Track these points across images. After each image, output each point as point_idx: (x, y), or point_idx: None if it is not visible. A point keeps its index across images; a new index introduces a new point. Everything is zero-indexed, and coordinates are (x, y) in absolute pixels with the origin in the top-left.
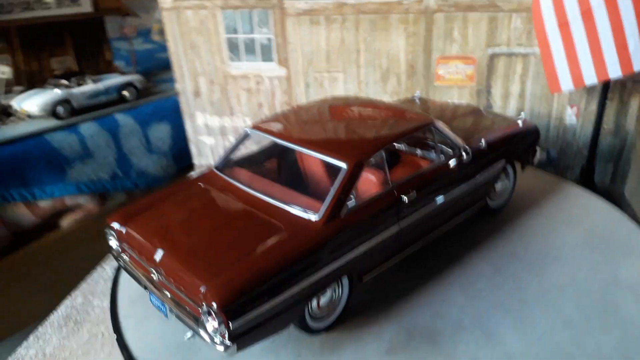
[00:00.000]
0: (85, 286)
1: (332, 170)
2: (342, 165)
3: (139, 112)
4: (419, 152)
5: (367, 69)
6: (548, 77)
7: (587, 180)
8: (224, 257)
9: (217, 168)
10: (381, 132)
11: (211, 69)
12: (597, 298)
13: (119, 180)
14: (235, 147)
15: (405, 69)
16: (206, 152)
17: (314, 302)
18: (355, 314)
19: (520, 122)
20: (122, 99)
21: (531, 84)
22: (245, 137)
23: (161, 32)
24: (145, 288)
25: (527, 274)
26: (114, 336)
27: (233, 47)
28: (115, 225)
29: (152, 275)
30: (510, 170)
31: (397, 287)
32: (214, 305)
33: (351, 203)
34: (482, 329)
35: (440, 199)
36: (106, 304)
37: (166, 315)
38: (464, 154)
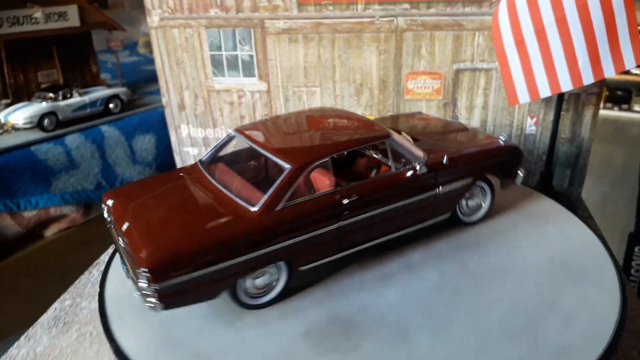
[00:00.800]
0: (73, 289)
1: (280, 171)
2: (286, 166)
3: (125, 124)
4: (384, 160)
5: (342, 84)
6: (507, 90)
7: (546, 185)
8: (170, 233)
9: (200, 162)
10: (333, 141)
11: (196, 84)
12: (524, 318)
13: (103, 190)
14: (219, 146)
15: (378, 84)
16: (190, 161)
17: (249, 281)
18: (288, 295)
19: (501, 142)
20: (107, 111)
21: (494, 97)
22: (230, 138)
23: (147, 45)
24: (119, 252)
25: (469, 286)
26: (103, 334)
27: (217, 63)
28: (106, 199)
29: (120, 242)
30: (486, 187)
31: (337, 278)
32: (145, 268)
33: (290, 199)
34: (400, 329)
35: (388, 206)
36: (94, 305)
37: (127, 277)
38: (418, 167)
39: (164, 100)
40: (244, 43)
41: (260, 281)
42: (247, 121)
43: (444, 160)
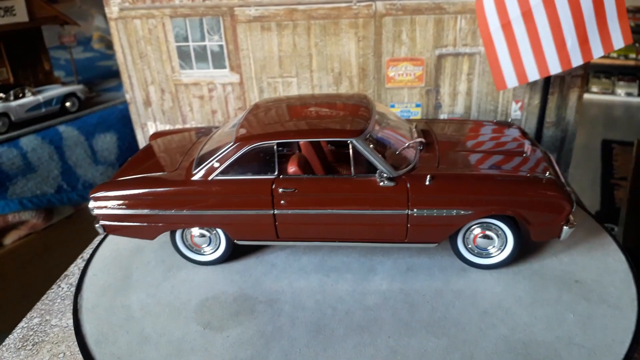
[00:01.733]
0: (41, 306)
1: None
2: (231, 141)
3: (83, 123)
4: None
5: (320, 73)
6: (494, 75)
7: None
8: (129, 175)
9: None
10: (287, 129)
11: (162, 78)
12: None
13: (64, 193)
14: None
15: (357, 72)
16: None
17: (188, 235)
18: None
19: (542, 179)
20: (64, 110)
21: (477, 82)
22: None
23: (102, 40)
24: None
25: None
26: (79, 354)
27: (184, 55)
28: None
29: None
30: (505, 229)
31: (284, 268)
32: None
33: (225, 172)
34: (316, 327)
35: (334, 210)
36: (65, 322)
37: None
38: (380, 178)
39: (127, 97)
40: (213, 33)
41: (199, 240)
42: (219, 116)
43: (427, 181)
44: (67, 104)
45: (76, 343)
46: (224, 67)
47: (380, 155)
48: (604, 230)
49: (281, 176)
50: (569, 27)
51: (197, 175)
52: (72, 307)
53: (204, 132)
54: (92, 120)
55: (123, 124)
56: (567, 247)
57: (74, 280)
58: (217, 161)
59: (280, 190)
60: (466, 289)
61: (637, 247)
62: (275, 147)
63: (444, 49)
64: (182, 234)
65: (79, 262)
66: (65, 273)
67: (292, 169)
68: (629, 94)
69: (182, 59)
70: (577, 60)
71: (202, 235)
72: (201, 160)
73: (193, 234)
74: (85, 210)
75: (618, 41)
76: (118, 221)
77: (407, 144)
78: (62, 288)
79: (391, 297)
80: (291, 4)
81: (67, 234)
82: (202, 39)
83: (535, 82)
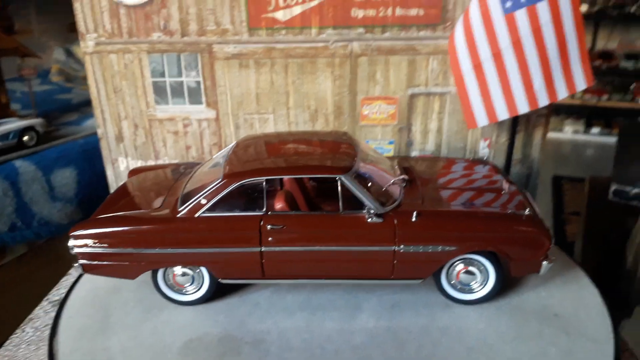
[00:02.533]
0: (3, 352)
1: None
2: (219, 178)
3: (41, 158)
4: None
5: (297, 110)
6: (465, 114)
7: None
8: (110, 213)
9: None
10: (276, 165)
11: (136, 113)
12: None
13: (18, 231)
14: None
15: (333, 110)
16: None
17: (170, 275)
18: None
19: (522, 215)
20: (22, 145)
21: (447, 120)
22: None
23: (61, 72)
24: None
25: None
26: None
27: (159, 90)
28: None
29: None
30: (487, 265)
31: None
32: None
33: (211, 209)
34: None
35: (322, 247)
36: None
37: None
38: (368, 215)
39: (99, 132)
40: (190, 69)
41: (181, 279)
42: (193, 152)
43: (413, 217)
44: (25, 138)
45: None
46: (201, 103)
47: (367, 192)
48: (574, 263)
49: (269, 212)
50: (536, 70)
51: (183, 212)
52: (46, 352)
53: (185, 168)
54: (51, 155)
55: (83, 159)
56: (544, 281)
57: (39, 324)
58: (204, 198)
59: (269, 227)
60: (451, 325)
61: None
62: (264, 184)
63: (416, 88)
64: (164, 273)
65: (45, 305)
66: (30, 316)
67: (279, 205)
68: (575, 132)
69: (158, 94)
70: (543, 101)
71: (185, 274)
72: (186, 198)
73: (175, 272)
74: (40, 249)
75: (581, 83)
76: (98, 260)
77: (391, 181)
78: (27, 332)
79: (379, 335)
80: (270, 42)
81: (21, 274)
82: (179, 74)
83: (502, 122)
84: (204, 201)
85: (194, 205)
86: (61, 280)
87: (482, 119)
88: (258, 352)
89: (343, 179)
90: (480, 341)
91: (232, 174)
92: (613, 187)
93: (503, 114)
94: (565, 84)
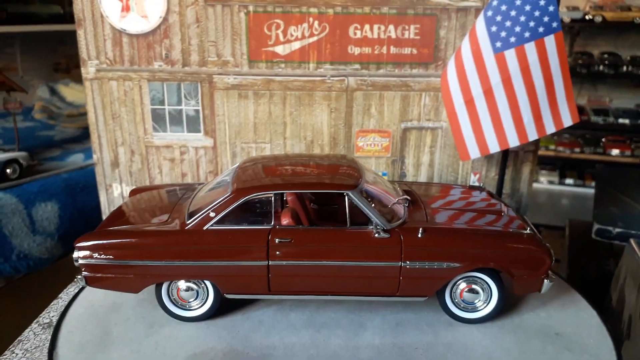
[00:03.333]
0: None
1: None
2: (229, 191)
3: (23, 191)
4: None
5: (293, 140)
6: (458, 146)
7: None
8: (115, 226)
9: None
10: (286, 181)
11: (133, 139)
12: None
13: None
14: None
15: (328, 141)
16: None
17: (174, 290)
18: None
19: (523, 234)
20: (4, 177)
21: (439, 154)
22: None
23: (44, 110)
24: None
25: None
26: None
27: (158, 117)
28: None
29: None
30: (490, 283)
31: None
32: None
33: (220, 222)
34: None
35: (329, 262)
36: None
37: None
38: (375, 230)
39: (95, 157)
40: (190, 97)
41: (185, 294)
42: (188, 179)
43: (419, 233)
44: (8, 170)
45: None
46: (199, 132)
47: (374, 209)
48: (572, 288)
49: (277, 226)
50: (525, 105)
51: (192, 225)
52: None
53: (186, 189)
54: (33, 188)
55: (66, 194)
56: (543, 304)
57: (29, 345)
58: (213, 211)
59: (277, 240)
60: (456, 342)
61: None
62: (272, 197)
63: (409, 122)
64: (168, 288)
65: (35, 327)
66: (19, 338)
67: (285, 220)
68: (550, 182)
69: (156, 121)
70: (532, 135)
71: (189, 289)
72: (194, 213)
73: (180, 287)
74: (18, 283)
75: (567, 119)
76: (103, 272)
77: (396, 199)
78: (17, 354)
79: (385, 351)
80: (269, 74)
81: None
82: (179, 103)
83: (492, 157)
84: (212, 214)
85: (202, 218)
86: (52, 304)
87: (474, 152)
88: None
89: (351, 194)
90: (486, 356)
91: (242, 187)
92: (595, 227)
93: (494, 147)
94: (552, 120)
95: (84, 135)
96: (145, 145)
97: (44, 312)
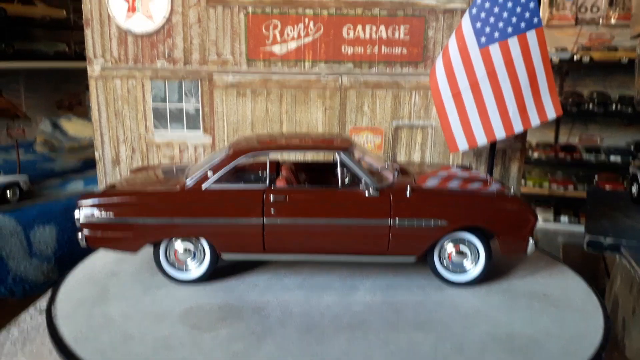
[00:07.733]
0: None
1: None
2: (225, 151)
3: (23, 213)
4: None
5: None
6: (447, 139)
7: None
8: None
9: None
10: (279, 143)
11: (134, 137)
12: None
13: None
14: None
15: None
16: None
17: (171, 251)
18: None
19: (508, 195)
20: (4, 199)
21: (429, 152)
22: None
23: (45, 143)
24: None
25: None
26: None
27: (159, 115)
28: None
29: None
30: (478, 244)
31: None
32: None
33: (217, 182)
34: (306, 327)
35: (321, 220)
36: None
37: None
38: (366, 188)
39: (96, 155)
40: (190, 95)
41: (182, 255)
42: None
43: (407, 193)
44: (8, 193)
45: (52, 343)
46: (198, 129)
47: (365, 170)
48: (559, 262)
49: (272, 186)
50: (510, 98)
51: (190, 184)
52: (33, 349)
53: (184, 167)
54: (33, 212)
55: (65, 218)
56: (530, 273)
57: (25, 326)
58: (211, 171)
59: (272, 198)
60: (445, 301)
61: None
62: (268, 158)
63: (401, 120)
64: (166, 249)
65: (32, 311)
66: (17, 320)
67: (280, 183)
68: (545, 220)
69: (158, 119)
70: (518, 127)
71: (186, 250)
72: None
73: (177, 249)
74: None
75: (551, 112)
76: (102, 231)
77: (386, 164)
78: (13, 334)
79: (375, 305)
80: (266, 73)
81: None
82: (180, 100)
83: (480, 154)
84: (210, 173)
85: (200, 177)
86: (49, 290)
87: (462, 144)
88: (259, 316)
89: (342, 154)
90: (475, 310)
91: (239, 148)
92: (587, 239)
93: (482, 139)
94: (537, 113)
95: (84, 166)
96: (146, 142)
97: (41, 298)
